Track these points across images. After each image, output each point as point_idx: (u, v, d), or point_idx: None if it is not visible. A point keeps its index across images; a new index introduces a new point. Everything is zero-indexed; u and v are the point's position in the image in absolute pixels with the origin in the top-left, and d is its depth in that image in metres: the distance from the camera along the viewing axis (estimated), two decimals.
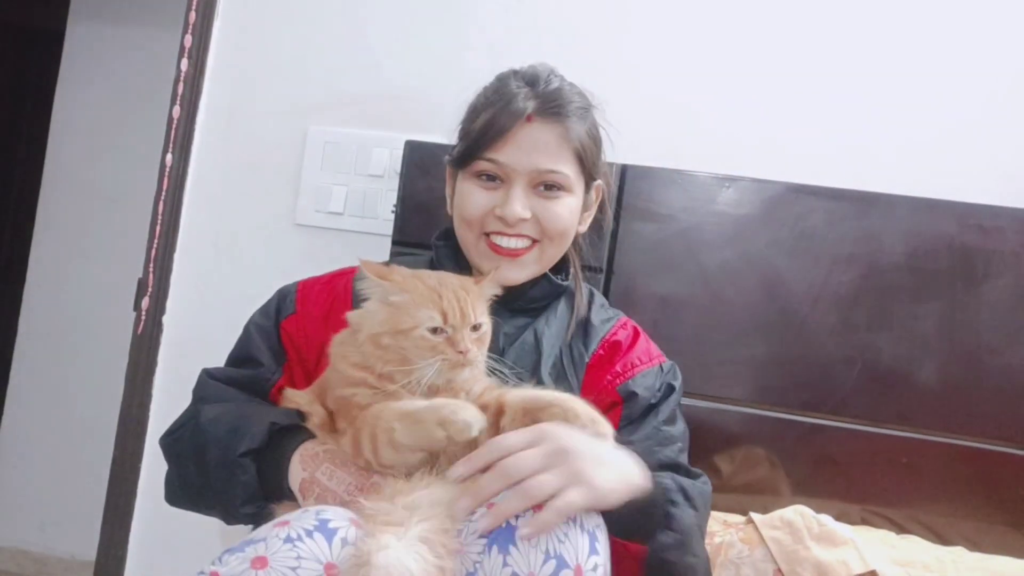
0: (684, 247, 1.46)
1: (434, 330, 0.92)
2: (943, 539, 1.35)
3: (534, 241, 1.12)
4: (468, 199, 1.12)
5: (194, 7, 1.71)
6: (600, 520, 0.86)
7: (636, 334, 1.19)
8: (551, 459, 0.83)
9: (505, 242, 1.11)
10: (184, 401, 1.16)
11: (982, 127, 1.50)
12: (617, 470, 0.88)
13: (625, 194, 1.47)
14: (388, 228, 1.58)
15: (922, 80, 1.52)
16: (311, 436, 0.99)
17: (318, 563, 0.79)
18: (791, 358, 1.43)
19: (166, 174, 1.71)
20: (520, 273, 1.12)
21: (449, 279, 0.98)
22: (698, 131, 1.56)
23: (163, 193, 1.71)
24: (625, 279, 1.46)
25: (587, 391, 1.12)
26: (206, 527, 1.53)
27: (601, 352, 1.15)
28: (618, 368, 1.13)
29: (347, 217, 1.66)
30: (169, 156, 1.70)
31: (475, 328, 0.95)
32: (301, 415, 1.01)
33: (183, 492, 1.08)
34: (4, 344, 2.92)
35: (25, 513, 2.77)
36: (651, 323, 1.35)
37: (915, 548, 1.28)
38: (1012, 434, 1.36)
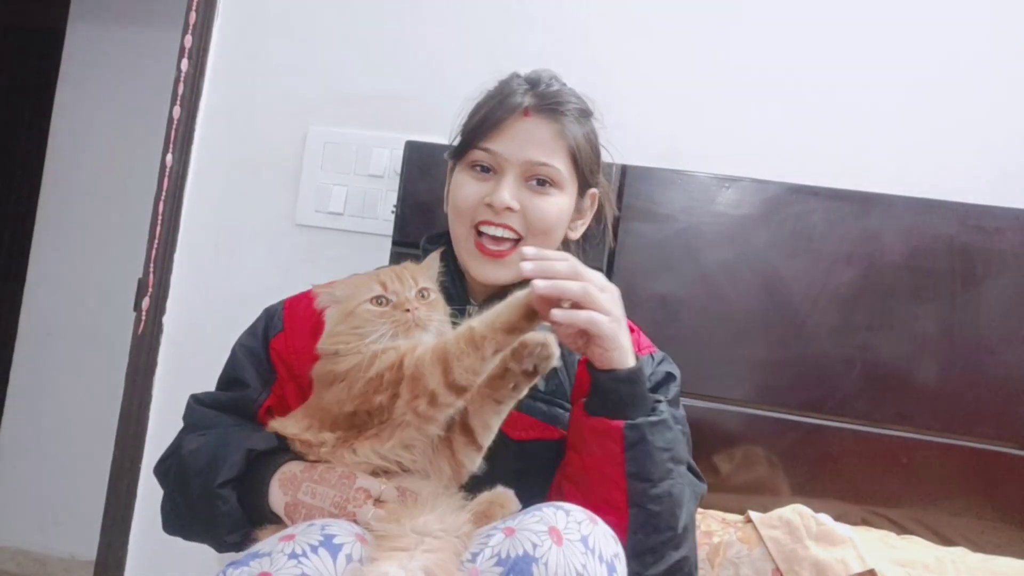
0: (684, 247, 1.46)
1: (377, 301, 0.95)
2: (944, 539, 1.35)
3: (517, 240, 1.12)
4: (461, 189, 1.13)
5: (194, 7, 1.71)
6: (619, 550, 0.86)
7: (629, 326, 1.18)
8: (610, 299, 0.94)
9: (492, 231, 1.11)
10: (184, 401, 1.16)
11: (982, 127, 1.50)
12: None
13: (625, 194, 1.47)
14: (388, 228, 1.58)
15: (922, 80, 1.52)
16: (291, 457, 0.99)
17: None
18: (791, 358, 1.43)
19: (166, 174, 1.71)
20: (503, 273, 1.12)
21: (401, 264, 1.03)
22: (698, 131, 1.56)
23: (163, 193, 1.71)
24: (625, 279, 1.46)
25: (580, 384, 1.11)
26: None
27: None
28: None
29: (347, 217, 1.66)
30: (169, 156, 1.71)
31: (423, 295, 0.97)
32: (280, 438, 1.01)
33: (176, 521, 1.09)
34: (4, 344, 2.92)
35: (25, 513, 2.76)
36: (651, 323, 1.35)
37: (915, 548, 1.28)
38: (1012, 434, 1.36)
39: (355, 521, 0.88)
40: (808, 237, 1.44)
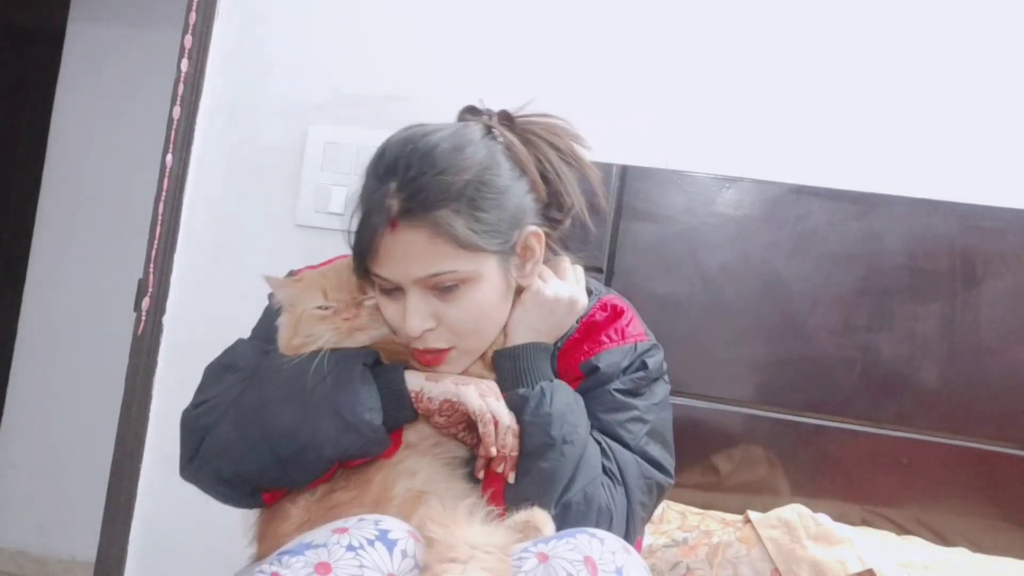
0: (684, 248, 1.46)
1: (321, 308, 1.00)
2: (945, 540, 1.35)
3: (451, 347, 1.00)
4: (383, 308, 1.00)
5: (194, 7, 1.71)
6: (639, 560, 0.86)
7: (616, 313, 1.08)
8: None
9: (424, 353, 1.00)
10: (184, 401, 1.16)
11: (982, 127, 1.50)
12: None
13: (625, 194, 1.47)
14: None
15: (922, 80, 1.52)
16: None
17: (380, 573, 0.79)
18: (791, 359, 1.43)
19: (166, 174, 1.70)
20: (449, 369, 1.01)
21: (340, 265, 1.07)
22: (698, 131, 1.56)
23: (163, 194, 1.70)
24: (625, 280, 1.46)
25: (562, 373, 1.05)
26: (206, 528, 1.54)
27: (577, 335, 1.07)
28: (586, 347, 1.05)
29: (347, 217, 1.66)
30: (169, 156, 1.70)
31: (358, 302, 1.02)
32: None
33: (221, 457, 0.99)
34: (4, 344, 2.92)
35: (25, 514, 2.76)
36: (651, 323, 1.34)
37: (915, 549, 1.28)
38: (1013, 435, 1.36)
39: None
40: (808, 238, 1.44)
